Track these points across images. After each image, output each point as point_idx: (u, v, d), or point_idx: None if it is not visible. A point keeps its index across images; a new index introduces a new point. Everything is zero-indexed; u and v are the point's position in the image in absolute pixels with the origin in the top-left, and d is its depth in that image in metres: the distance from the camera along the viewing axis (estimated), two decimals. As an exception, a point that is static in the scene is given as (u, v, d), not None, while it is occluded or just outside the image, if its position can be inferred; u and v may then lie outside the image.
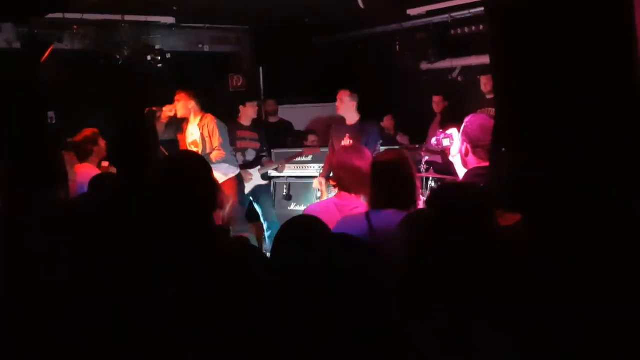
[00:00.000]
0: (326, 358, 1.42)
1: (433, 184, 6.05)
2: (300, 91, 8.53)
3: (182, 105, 5.73)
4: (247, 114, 6.45)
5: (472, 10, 7.06)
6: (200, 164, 2.07)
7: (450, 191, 2.00)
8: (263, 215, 6.56)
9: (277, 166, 6.65)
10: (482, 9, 6.09)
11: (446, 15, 7.49)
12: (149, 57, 7.53)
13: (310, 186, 6.39)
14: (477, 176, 2.74)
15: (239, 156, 6.33)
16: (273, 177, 7.10)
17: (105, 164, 4.81)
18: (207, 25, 8.36)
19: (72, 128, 5.26)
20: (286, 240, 2.10)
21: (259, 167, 6.46)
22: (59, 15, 6.83)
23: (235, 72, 8.75)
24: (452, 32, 7.56)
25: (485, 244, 1.69)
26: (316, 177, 6.12)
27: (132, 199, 2.28)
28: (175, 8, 7.27)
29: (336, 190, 3.15)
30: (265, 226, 6.50)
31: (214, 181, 2.07)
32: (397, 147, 6.65)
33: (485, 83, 6.95)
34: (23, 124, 6.47)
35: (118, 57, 7.40)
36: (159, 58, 7.57)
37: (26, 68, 6.70)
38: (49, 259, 2.02)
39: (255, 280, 1.75)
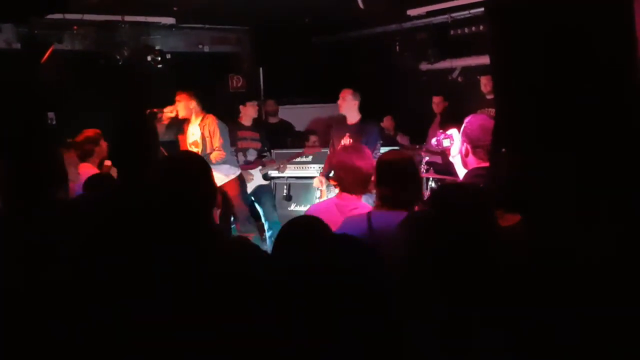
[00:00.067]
0: (326, 358, 1.42)
1: (433, 185, 6.05)
2: (300, 91, 8.53)
3: (183, 106, 5.73)
4: (248, 113, 6.45)
5: (472, 11, 7.07)
6: (199, 164, 2.07)
7: (450, 191, 2.00)
8: (264, 215, 6.56)
9: (278, 166, 6.64)
10: (482, 9, 6.10)
11: (446, 16, 7.50)
12: (149, 58, 7.54)
13: (311, 187, 6.39)
14: (477, 176, 2.74)
15: (240, 156, 6.33)
16: (273, 178, 7.10)
17: (107, 162, 4.82)
18: (207, 26, 8.37)
19: (72, 128, 5.26)
20: (287, 241, 2.10)
21: (260, 167, 6.46)
22: (59, 15, 6.84)
23: (235, 72, 8.75)
24: (452, 32, 7.57)
25: (486, 244, 1.69)
26: (317, 177, 6.12)
27: (129, 199, 2.28)
28: (175, 8, 7.28)
29: (336, 190, 3.15)
30: (266, 226, 6.50)
31: (213, 181, 2.07)
32: (397, 147, 6.65)
33: (485, 83, 6.96)
34: (23, 124, 6.48)
35: (118, 57, 7.40)
36: (159, 58, 7.58)
37: (26, 68, 6.71)
38: (48, 259, 2.02)
39: (255, 280, 1.75)
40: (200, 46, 8.41)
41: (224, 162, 5.76)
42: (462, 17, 7.34)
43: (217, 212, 2.16)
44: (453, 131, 3.14)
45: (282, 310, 1.52)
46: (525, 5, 2.03)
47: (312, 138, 7.77)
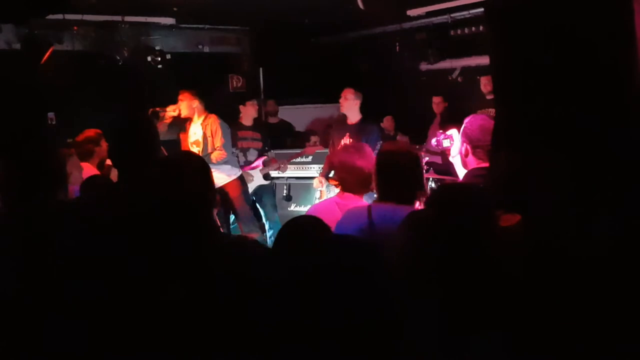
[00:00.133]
0: (326, 358, 1.42)
1: (433, 185, 6.05)
2: (300, 92, 8.54)
3: (186, 105, 5.72)
4: (248, 113, 6.44)
5: (472, 11, 7.07)
6: (198, 165, 2.07)
7: (450, 191, 2.00)
8: (265, 215, 6.56)
9: (278, 166, 6.64)
10: (482, 9, 6.10)
11: (446, 16, 7.50)
12: (149, 58, 7.54)
13: (311, 187, 6.40)
14: (477, 177, 2.74)
15: (241, 156, 6.32)
16: (273, 178, 7.10)
17: (109, 162, 4.82)
18: (207, 26, 8.37)
19: (72, 129, 5.27)
20: (286, 241, 2.10)
21: (260, 167, 6.45)
22: (59, 16, 6.84)
23: (235, 72, 8.76)
24: (452, 32, 7.57)
25: (486, 245, 1.69)
26: (317, 177, 6.13)
27: (127, 201, 2.28)
28: (175, 9, 7.28)
29: (336, 190, 3.14)
30: (267, 226, 6.49)
31: (211, 181, 2.07)
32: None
33: (485, 84, 6.96)
34: (23, 124, 6.48)
35: (118, 57, 7.41)
36: (159, 59, 7.58)
37: (26, 69, 6.70)
38: (48, 259, 2.02)
39: (254, 280, 1.75)
40: (200, 46, 8.41)
41: (225, 162, 5.76)
42: (462, 17, 7.35)
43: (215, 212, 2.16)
44: (453, 131, 3.14)
45: (281, 310, 1.52)
46: (524, 5, 2.03)
47: (313, 138, 7.77)
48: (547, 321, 1.56)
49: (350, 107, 5.61)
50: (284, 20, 7.51)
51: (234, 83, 8.73)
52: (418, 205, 2.64)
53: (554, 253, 1.76)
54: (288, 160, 6.77)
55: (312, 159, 7.07)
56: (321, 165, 6.29)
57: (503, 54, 2.16)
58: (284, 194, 7.17)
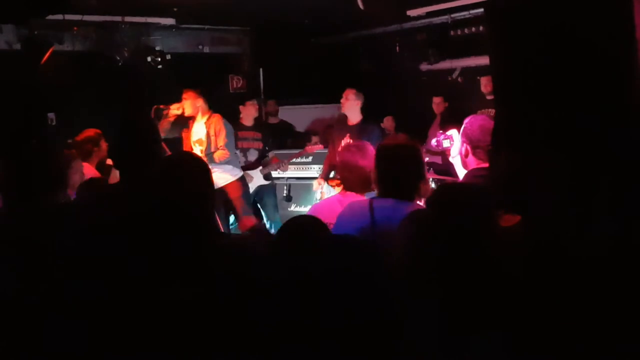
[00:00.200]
0: (325, 358, 1.42)
1: (433, 185, 6.04)
2: (300, 92, 8.54)
3: (190, 104, 5.70)
4: (249, 113, 6.44)
5: (472, 11, 7.07)
6: (198, 166, 2.07)
7: (450, 192, 2.00)
8: (266, 215, 6.56)
9: (278, 166, 6.63)
10: (482, 9, 6.10)
11: (446, 16, 7.50)
12: (149, 59, 7.54)
13: (311, 187, 6.40)
14: (477, 177, 2.74)
15: (241, 157, 6.32)
16: (274, 178, 7.10)
17: (109, 161, 4.82)
18: (207, 27, 8.37)
19: (72, 129, 5.27)
20: (286, 241, 2.10)
21: (260, 167, 6.45)
22: (59, 16, 6.84)
23: (236, 73, 8.76)
24: (452, 33, 7.57)
25: (486, 245, 1.69)
26: (317, 178, 6.12)
27: (126, 201, 2.28)
28: (175, 9, 7.28)
29: (336, 190, 3.15)
30: (267, 226, 6.50)
31: (211, 182, 2.07)
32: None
33: (485, 84, 6.95)
34: (23, 124, 6.49)
35: (118, 58, 7.41)
36: (159, 59, 7.58)
37: (26, 69, 6.71)
38: (47, 259, 2.02)
39: (254, 280, 1.76)
40: (200, 47, 8.41)
41: (227, 162, 5.75)
42: (462, 17, 7.35)
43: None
44: (453, 132, 3.14)
45: (281, 310, 1.52)
46: (524, 5, 2.03)
47: (314, 139, 7.76)
48: (547, 321, 1.56)
49: (351, 107, 5.61)
50: (284, 20, 7.51)
51: (234, 83, 8.74)
52: (419, 201, 2.62)
53: (554, 253, 1.76)
54: (288, 160, 6.76)
55: (312, 159, 7.06)
56: (321, 166, 6.29)
57: (503, 54, 2.16)
58: (284, 194, 7.16)
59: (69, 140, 5.15)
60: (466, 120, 2.93)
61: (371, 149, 3.10)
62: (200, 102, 5.74)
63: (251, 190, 6.37)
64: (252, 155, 6.44)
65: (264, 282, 1.69)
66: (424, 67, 8.29)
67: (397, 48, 8.21)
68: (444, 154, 3.56)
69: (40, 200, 2.31)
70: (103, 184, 3.52)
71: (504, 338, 1.52)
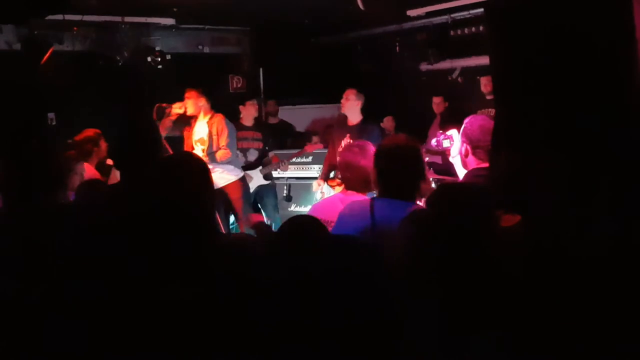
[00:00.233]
0: (325, 358, 1.42)
1: (433, 185, 6.04)
2: (300, 92, 8.54)
3: (192, 103, 5.70)
4: (249, 113, 6.43)
5: (472, 11, 7.06)
6: (197, 165, 2.07)
7: (450, 192, 2.00)
8: (266, 216, 6.56)
9: (278, 166, 6.62)
10: (482, 9, 6.10)
11: (446, 16, 7.50)
12: (149, 59, 7.54)
13: (311, 187, 6.39)
14: (477, 177, 2.74)
15: (241, 157, 6.32)
16: (274, 178, 7.09)
17: (109, 161, 4.82)
18: (207, 27, 8.37)
19: (72, 129, 5.27)
20: (285, 241, 2.10)
21: (260, 167, 6.45)
22: (59, 16, 6.84)
23: (236, 73, 8.75)
24: (452, 33, 7.57)
25: (486, 245, 1.69)
26: (317, 178, 6.12)
27: (126, 201, 2.28)
28: (175, 9, 7.28)
29: (334, 192, 3.15)
30: None
31: (211, 182, 2.07)
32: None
33: (485, 84, 6.95)
34: (23, 124, 6.49)
35: (118, 58, 7.41)
36: (159, 59, 7.58)
37: (26, 69, 6.71)
38: (47, 259, 2.02)
39: (254, 280, 1.76)
40: (200, 47, 8.41)
41: (229, 162, 5.75)
42: (461, 17, 7.35)
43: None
44: (453, 132, 3.14)
45: (282, 310, 1.52)
46: (524, 5, 2.03)
47: (315, 139, 7.76)
48: (546, 321, 1.56)
49: (352, 107, 5.61)
50: (284, 20, 7.51)
51: (234, 83, 8.74)
52: (419, 201, 2.62)
53: (554, 253, 1.76)
54: (288, 159, 6.76)
55: (312, 159, 7.06)
56: (321, 166, 6.29)
57: (503, 54, 2.16)
58: (285, 195, 7.16)
59: (69, 140, 5.14)
60: (466, 120, 2.93)
61: (372, 149, 3.09)
62: (203, 102, 5.74)
63: (251, 190, 6.37)
64: (252, 155, 6.44)
65: (263, 282, 1.69)
66: (424, 67, 8.29)
67: (397, 48, 8.20)
68: (444, 154, 3.56)
69: (40, 200, 2.31)
70: (101, 185, 3.52)
71: (504, 338, 1.52)
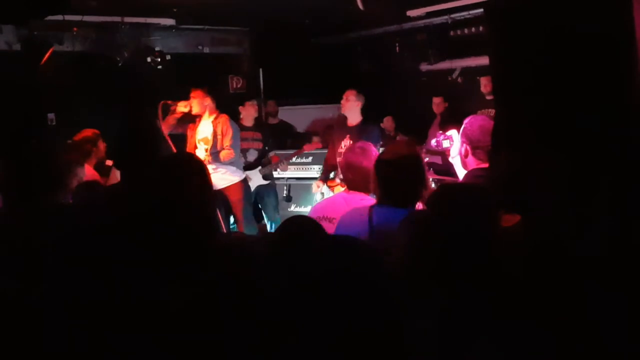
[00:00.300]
0: (325, 358, 1.42)
1: (433, 185, 6.05)
2: (300, 92, 8.54)
3: (198, 102, 5.70)
4: (248, 113, 6.44)
5: (472, 12, 7.06)
6: (197, 166, 2.07)
7: (450, 192, 2.00)
8: (266, 216, 6.56)
9: (277, 166, 6.62)
10: (482, 10, 6.10)
11: (446, 17, 7.50)
12: (149, 59, 7.54)
13: (311, 187, 6.39)
14: (477, 177, 2.74)
15: (240, 157, 6.32)
16: (274, 178, 7.09)
17: (109, 162, 4.82)
18: (207, 27, 8.37)
19: (72, 129, 5.27)
20: (284, 241, 2.10)
21: (259, 167, 6.45)
22: (59, 17, 6.84)
23: (235, 73, 8.75)
24: (452, 33, 7.57)
25: (486, 245, 1.70)
26: (317, 178, 6.12)
27: (125, 201, 2.28)
28: (175, 10, 7.28)
29: (334, 192, 3.16)
30: (268, 226, 6.49)
31: (210, 182, 2.07)
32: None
33: (485, 84, 6.96)
34: (23, 125, 6.49)
35: (118, 58, 7.41)
36: (159, 60, 7.58)
37: (26, 70, 6.71)
38: (48, 259, 2.02)
39: (254, 280, 1.76)
40: (200, 47, 8.41)
41: (231, 163, 5.75)
42: (461, 18, 7.35)
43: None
44: (453, 132, 3.14)
45: (282, 310, 1.52)
46: (524, 5, 2.03)
47: (315, 139, 7.76)
48: (547, 321, 1.56)
49: (352, 108, 5.61)
50: (284, 20, 7.51)
51: (234, 84, 8.74)
52: (419, 206, 2.63)
53: (554, 253, 1.76)
54: (287, 159, 6.75)
55: (312, 159, 7.06)
56: (321, 166, 6.29)
57: (503, 54, 2.16)
58: (284, 195, 7.16)
59: (69, 141, 5.14)
60: (466, 121, 2.93)
61: (374, 150, 3.12)
62: (208, 101, 5.74)
63: (252, 189, 6.37)
64: (252, 156, 6.44)
65: (263, 282, 1.69)
66: (424, 67, 8.29)
67: (397, 48, 8.21)
68: (444, 154, 3.56)
69: (40, 200, 2.31)
70: (99, 186, 3.52)
71: (504, 338, 1.52)
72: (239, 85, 8.75)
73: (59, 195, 2.43)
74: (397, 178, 2.57)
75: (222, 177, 5.68)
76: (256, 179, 6.44)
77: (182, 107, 5.59)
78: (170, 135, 5.48)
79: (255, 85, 8.92)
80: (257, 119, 6.64)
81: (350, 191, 3.06)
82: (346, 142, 5.51)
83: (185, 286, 1.77)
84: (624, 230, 1.73)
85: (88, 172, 4.43)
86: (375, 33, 8.35)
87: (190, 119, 5.80)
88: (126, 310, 1.75)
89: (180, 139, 5.77)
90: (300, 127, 8.39)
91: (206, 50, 8.46)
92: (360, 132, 5.48)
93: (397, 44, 8.21)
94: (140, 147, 2.55)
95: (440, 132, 3.29)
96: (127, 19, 7.38)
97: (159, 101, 5.55)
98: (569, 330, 1.56)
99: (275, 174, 6.85)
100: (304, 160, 7.08)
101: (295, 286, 1.52)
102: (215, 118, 5.75)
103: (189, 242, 1.89)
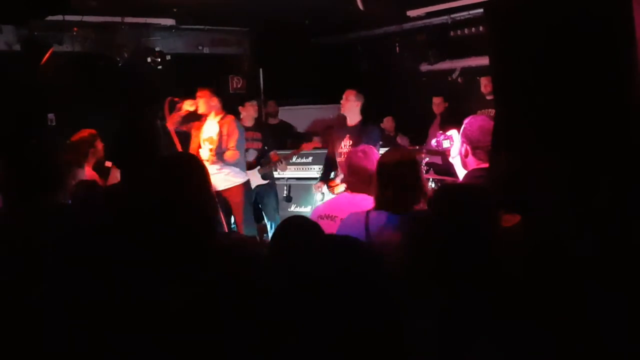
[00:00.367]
0: (325, 358, 1.42)
1: (433, 185, 6.05)
2: (300, 93, 8.54)
3: (204, 102, 5.70)
4: (248, 114, 6.45)
5: (472, 12, 7.07)
6: (196, 166, 2.07)
7: (450, 192, 2.00)
8: (266, 216, 6.56)
9: (276, 165, 6.62)
10: (482, 10, 6.10)
11: (446, 17, 7.51)
12: (148, 59, 7.54)
13: (311, 188, 6.39)
14: (477, 177, 2.74)
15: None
16: (274, 178, 7.09)
17: (108, 163, 4.80)
18: (207, 27, 8.37)
19: (72, 129, 5.26)
20: (284, 241, 2.11)
21: (258, 167, 6.44)
22: (59, 17, 6.85)
23: (235, 73, 8.76)
24: (452, 33, 7.58)
25: (486, 245, 1.69)
26: (317, 178, 6.12)
27: (124, 202, 2.28)
28: (175, 10, 7.29)
29: (333, 194, 3.18)
30: (268, 226, 6.49)
31: (209, 182, 2.07)
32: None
33: (485, 84, 6.96)
34: (23, 125, 6.49)
35: (118, 59, 7.41)
36: (159, 60, 7.58)
37: (26, 70, 6.71)
38: (47, 259, 2.02)
39: (254, 281, 1.76)
40: (200, 47, 8.42)
41: (235, 164, 5.75)
42: (461, 18, 7.36)
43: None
44: (453, 132, 3.14)
45: (281, 310, 1.52)
46: (524, 5, 2.03)
47: (315, 139, 7.77)
48: (547, 321, 1.56)
49: (351, 108, 5.61)
50: (284, 20, 7.51)
51: (234, 84, 8.74)
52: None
53: (554, 253, 1.76)
54: (285, 159, 6.74)
55: (312, 159, 7.06)
56: (321, 166, 6.28)
57: (503, 54, 2.16)
58: (285, 195, 7.16)
59: (69, 141, 5.14)
60: (466, 121, 2.93)
61: (376, 154, 3.14)
62: (215, 102, 5.75)
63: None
64: (251, 156, 6.43)
65: (263, 282, 1.69)
66: (424, 67, 8.30)
67: (397, 48, 8.22)
68: (444, 154, 3.56)
69: (40, 200, 2.31)
70: (97, 186, 3.51)
71: (504, 338, 1.52)
72: (239, 86, 8.76)
73: (59, 195, 2.43)
74: (394, 184, 2.60)
75: (224, 178, 5.68)
76: (255, 179, 6.44)
77: (188, 106, 5.58)
78: (177, 131, 5.50)
79: (255, 85, 8.92)
80: (256, 120, 6.64)
81: (353, 192, 3.09)
82: (346, 142, 5.51)
83: (185, 286, 1.77)
84: (624, 230, 1.74)
85: (88, 173, 4.42)
86: (375, 33, 8.35)
87: (195, 118, 5.80)
88: (126, 310, 1.75)
89: (185, 137, 5.77)
90: (300, 127, 8.39)
91: (206, 50, 8.47)
92: (359, 132, 5.47)
93: (397, 44, 8.22)
94: (140, 147, 2.55)
95: (440, 132, 3.29)
96: (127, 19, 7.38)
97: (159, 101, 5.55)
98: (569, 330, 1.56)
99: (276, 174, 6.84)
100: (304, 160, 7.08)
101: (295, 286, 1.52)
102: (222, 118, 5.75)
103: (189, 242, 1.88)
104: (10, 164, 2.36)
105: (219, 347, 1.70)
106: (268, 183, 6.57)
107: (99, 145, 4.87)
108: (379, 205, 2.63)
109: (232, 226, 6.26)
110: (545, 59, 1.97)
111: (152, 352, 1.70)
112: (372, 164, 2.96)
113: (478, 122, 2.89)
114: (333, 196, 5.30)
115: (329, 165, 5.85)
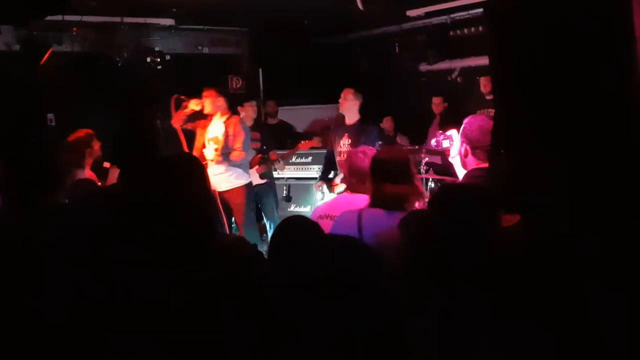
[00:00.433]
0: (325, 358, 1.42)
1: (433, 185, 6.05)
2: (299, 93, 8.54)
3: (210, 102, 5.69)
4: (247, 114, 6.45)
5: (471, 12, 7.07)
6: (196, 166, 2.07)
7: (450, 192, 2.00)
8: (266, 215, 6.55)
9: (274, 165, 6.62)
10: (481, 10, 6.10)
11: (445, 17, 7.51)
12: (148, 59, 7.54)
13: (310, 188, 6.39)
14: (477, 177, 2.75)
15: None
16: (273, 178, 7.09)
17: (106, 164, 4.80)
18: (207, 27, 8.37)
19: (72, 129, 5.26)
20: (283, 241, 2.11)
21: (256, 167, 6.44)
22: (58, 17, 6.84)
23: (235, 73, 8.76)
24: (451, 33, 7.58)
25: (486, 245, 1.70)
26: (316, 178, 6.12)
27: (124, 202, 2.28)
28: (174, 10, 7.29)
29: (333, 194, 3.19)
30: (268, 226, 6.49)
31: (209, 182, 2.07)
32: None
33: (485, 84, 6.96)
34: (23, 125, 6.49)
35: (117, 59, 7.41)
36: (159, 60, 7.58)
37: (26, 70, 6.71)
38: (47, 259, 2.02)
39: (254, 281, 1.76)
40: (200, 47, 8.42)
41: (239, 165, 5.75)
42: (461, 18, 7.36)
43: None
44: (452, 132, 3.15)
45: (281, 311, 1.52)
46: (524, 5, 2.03)
47: (315, 139, 7.76)
48: (547, 321, 1.56)
49: (350, 107, 5.61)
50: (284, 20, 7.51)
51: (234, 84, 8.74)
52: (414, 207, 2.66)
53: (554, 253, 1.76)
54: (283, 158, 6.74)
55: (311, 159, 7.06)
56: (321, 166, 6.29)
57: (503, 54, 2.16)
58: (284, 195, 7.16)
59: (65, 141, 5.13)
60: (465, 121, 2.93)
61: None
62: (221, 102, 5.74)
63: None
64: (250, 155, 6.44)
65: (263, 282, 1.69)
66: (424, 67, 8.30)
67: (397, 48, 8.22)
68: (444, 154, 3.57)
69: (40, 200, 2.31)
70: (93, 185, 3.51)
71: (504, 338, 1.52)
72: (238, 86, 8.75)
73: (59, 195, 2.43)
74: (387, 180, 2.62)
75: (227, 180, 5.68)
76: (254, 179, 6.44)
77: (193, 105, 5.58)
78: (183, 129, 5.51)
79: (255, 85, 8.92)
80: (256, 120, 6.64)
81: (353, 192, 3.10)
82: (344, 141, 5.51)
83: (185, 286, 1.77)
84: (624, 230, 1.74)
85: (86, 173, 4.42)
86: (375, 33, 8.36)
87: (200, 117, 5.79)
88: (126, 311, 1.75)
89: (190, 136, 5.77)
90: (300, 127, 8.39)
91: (206, 50, 8.47)
92: (358, 131, 5.48)
93: (396, 44, 8.22)
94: (139, 147, 2.55)
95: (440, 132, 3.29)
96: (127, 19, 7.38)
97: (158, 101, 5.55)
98: (569, 330, 1.56)
99: (275, 174, 6.84)
100: (303, 160, 7.08)
101: (295, 286, 1.52)
102: (228, 118, 5.75)
103: (189, 242, 1.88)
104: (10, 164, 2.36)
105: (219, 347, 1.70)
106: (267, 182, 6.56)
107: (96, 145, 4.86)
108: (372, 203, 2.64)
109: (232, 226, 6.26)
110: (545, 58, 1.97)
111: (152, 352, 1.70)
112: None
113: (477, 122, 2.89)
114: (333, 195, 5.30)
115: (329, 165, 5.85)
